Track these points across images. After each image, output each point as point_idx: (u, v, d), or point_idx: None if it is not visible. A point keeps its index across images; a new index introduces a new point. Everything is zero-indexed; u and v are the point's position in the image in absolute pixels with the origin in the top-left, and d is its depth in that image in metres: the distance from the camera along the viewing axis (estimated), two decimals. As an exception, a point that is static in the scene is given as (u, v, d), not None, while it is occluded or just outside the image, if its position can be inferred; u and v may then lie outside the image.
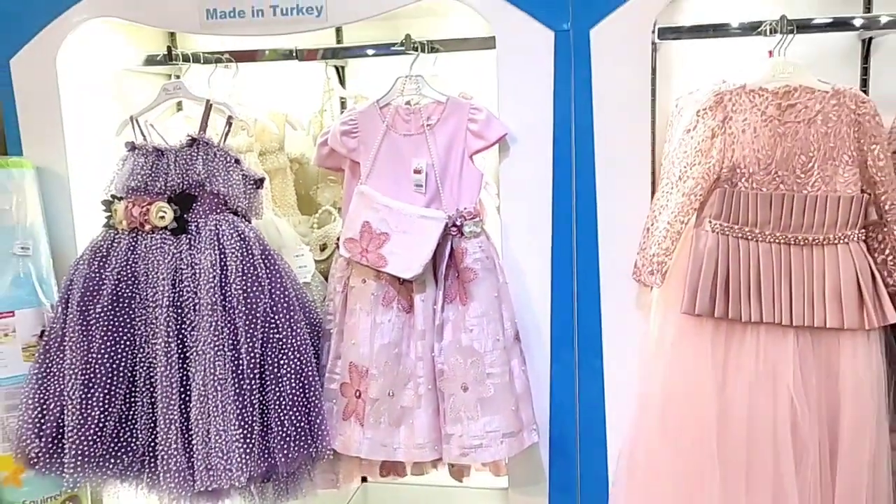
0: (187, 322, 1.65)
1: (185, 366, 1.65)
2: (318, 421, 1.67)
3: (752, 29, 1.66)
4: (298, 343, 1.67)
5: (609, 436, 1.71)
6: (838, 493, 1.53)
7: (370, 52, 1.90)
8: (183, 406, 1.64)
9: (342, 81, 2.25)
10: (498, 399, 1.63)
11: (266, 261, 1.70)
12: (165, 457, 1.62)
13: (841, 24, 1.72)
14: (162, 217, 1.70)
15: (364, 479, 2.58)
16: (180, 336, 1.65)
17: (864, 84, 1.93)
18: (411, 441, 1.65)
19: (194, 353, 1.62)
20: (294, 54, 1.92)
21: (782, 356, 1.54)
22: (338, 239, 1.79)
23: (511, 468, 1.78)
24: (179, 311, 1.66)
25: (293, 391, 1.65)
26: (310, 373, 1.67)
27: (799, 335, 1.55)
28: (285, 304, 1.68)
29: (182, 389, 1.64)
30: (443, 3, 1.68)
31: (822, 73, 1.75)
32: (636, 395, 1.66)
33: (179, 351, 1.65)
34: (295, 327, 1.68)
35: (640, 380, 1.66)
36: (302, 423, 1.65)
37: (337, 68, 2.23)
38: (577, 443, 1.73)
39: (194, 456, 1.61)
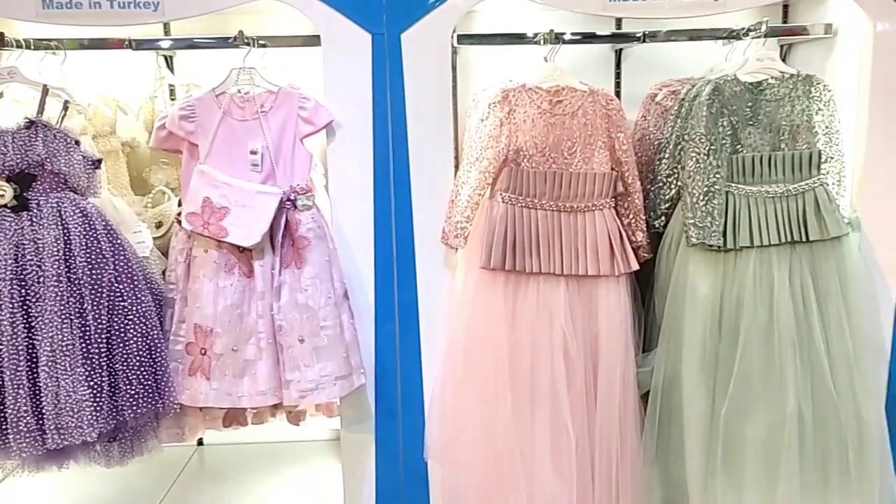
0: (31, 294, 1.75)
1: (31, 335, 1.76)
2: (164, 379, 1.84)
3: (530, 39, 2.06)
4: (143, 310, 1.83)
5: (424, 374, 2.03)
6: (599, 405, 1.96)
7: (200, 43, 2.08)
8: (30, 372, 1.74)
9: (171, 70, 2.40)
10: (331, 348, 1.90)
11: (108, 235, 1.84)
12: (15, 419, 1.72)
13: (595, 37, 2.16)
14: (1, 195, 1.79)
15: (200, 443, 2.75)
16: (25, 307, 1.75)
17: (618, 86, 2.41)
18: (254, 389, 1.88)
19: (40, 323, 1.74)
20: (129, 44, 2.04)
21: (556, 299, 1.94)
22: (178, 215, 1.96)
23: (342, 409, 2.06)
24: (23, 284, 1.76)
25: (140, 353, 1.81)
26: (155, 336, 1.84)
27: (568, 282, 1.96)
28: (129, 275, 1.83)
29: (29, 357, 1.75)
30: (272, 4, 1.91)
31: (586, 77, 2.18)
32: (445, 338, 2.00)
33: (24, 321, 1.75)
34: (139, 295, 1.84)
35: (448, 325, 1.99)
36: (149, 382, 1.82)
37: (166, 57, 2.38)
38: (398, 382, 2.04)
39: (45, 417, 1.73)
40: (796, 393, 1.88)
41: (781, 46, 2.35)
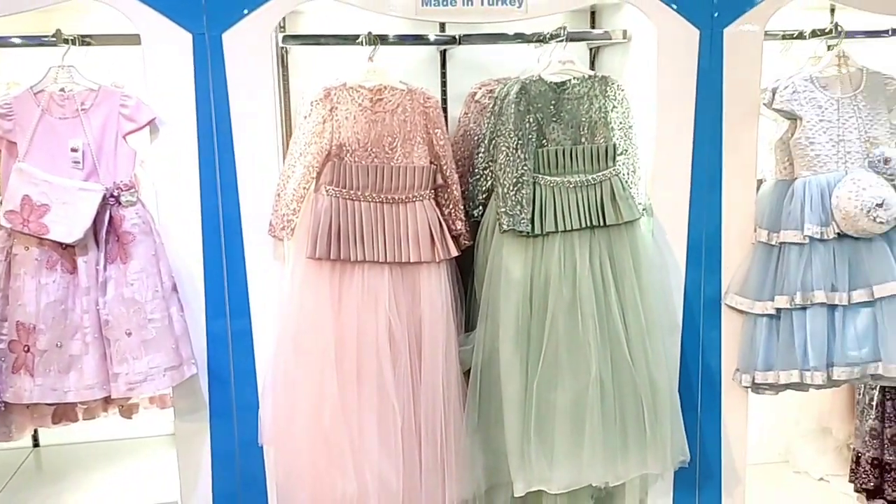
0: None
1: None
2: (-14, 378, 1.84)
3: (353, 40, 2.17)
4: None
5: (257, 362, 2.11)
6: (423, 383, 2.10)
7: (16, 42, 2.06)
8: None
9: (-8, 67, 2.35)
10: (159, 340, 1.94)
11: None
12: None
13: (415, 39, 2.30)
14: None
15: (36, 444, 2.70)
16: None
17: (444, 85, 2.56)
18: (81, 383, 1.90)
19: None
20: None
21: (380, 285, 2.07)
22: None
23: (175, 401, 2.10)
24: None
25: (-42, 355, 1.80)
26: (-27, 337, 1.83)
27: (392, 269, 2.09)
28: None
29: None
30: (89, 3, 1.93)
31: (416, 76, 2.32)
32: (276, 326, 2.08)
33: None
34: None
35: (278, 314, 2.08)
36: (-30, 382, 1.81)
37: (-14, 55, 2.32)
38: (231, 371, 2.11)
39: None
40: (597, 361, 2.09)
41: (590, 49, 2.58)
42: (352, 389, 2.05)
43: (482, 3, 2.08)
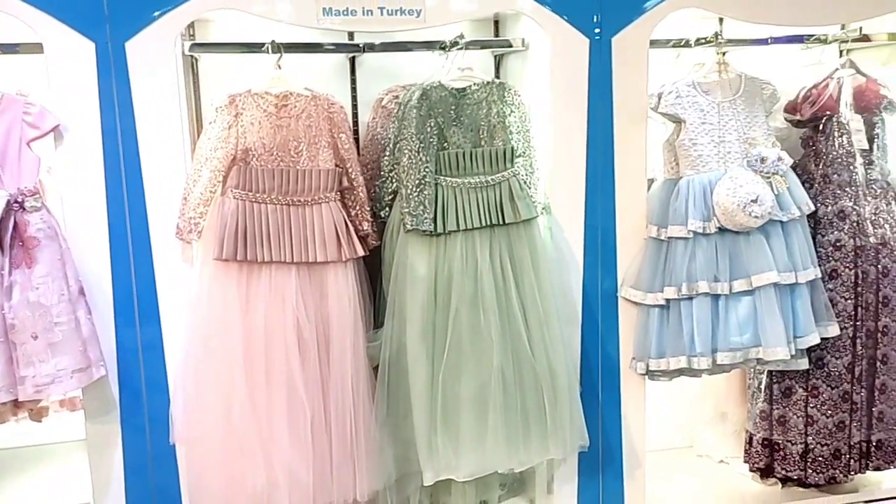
0: None
1: None
2: None
3: (259, 48, 2.23)
4: None
5: (168, 363, 2.15)
6: (332, 377, 2.17)
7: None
8: None
9: None
10: (66, 343, 1.97)
11: None
12: None
13: (319, 46, 2.38)
14: None
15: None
16: None
17: (354, 90, 2.64)
18: (-14, 388, 1.92)
19: None
20: None
21: (288, 285, 2.14)
22: None
23: (85, 403, 2.13)
24: None
25: None
26: None
27: (299, 270, 2.16)
28: None
29: None
30: (-8, 12, 1.96)
31: (326, 82, 2.40)
32: (185, 327, 2.13)
33: None
34: None
35: (187, 315, 2.13)
36: None
37: None
38: (141, 372, 2.14)
39: None
40: (499, 353, 2.20)
41: (495, 56, 2.70)
42: (261, 386, 2.11)
43: (381, 13, 2.18)
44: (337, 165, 2.23)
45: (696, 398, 2.97)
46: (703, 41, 2.49)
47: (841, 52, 2.70)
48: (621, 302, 2.44)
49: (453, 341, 2.20)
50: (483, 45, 2.48)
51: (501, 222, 2.25)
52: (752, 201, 2.24)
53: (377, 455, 2.22)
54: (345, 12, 2.15)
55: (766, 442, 2.63)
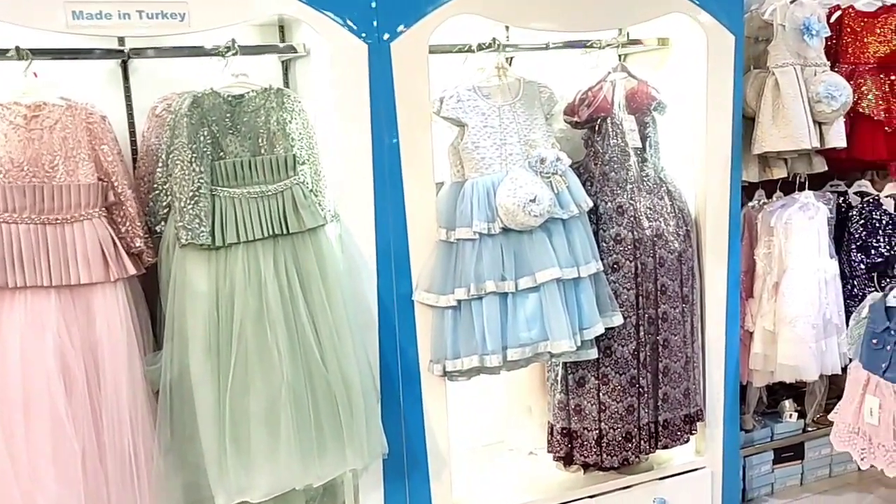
0: None
1: None
2: None
3: (3, 54, 2.04)
4: None
5: None
6: (105, 407, 2.03)
7: None
8: None
9: None
10: None
11: None
12: None
13: (78, 52, 2.22)
14: None
15: None
16: None
17: (129, 98, 2.48)
18: None
19: None
20: None
21: (47, 310, 1.97)
22: None
23: None
24: None
25: None
26: None
27: (60, 293, 2.00)
28: None
29: None
30: None
31: (98, 91, 2.23)
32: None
33: None
34: None
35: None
36: None
37: None
38: None
39: None
40: (288, 367, 2.14)
41: (282, 62, 2.63)
42: (18, 421, 1.93)
43: (140, 17, 2.06)
44: (101, 179, 2.09)
45: (503, 393, 3.04)
46: (485, 47, 2.55)
47: (620, 56, 2.86)
48: (417, 305, 2.45)
49: (239, 358, 2.11)
50: (258, 50, 2.40)
51: (286, 232, 2.19)
52: (530, 201, 2.32)
53: (163, 484, 2.10)
54: (98, 16, 2.01)
55: (565, 431, 2.73)
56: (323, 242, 2.26)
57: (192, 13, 2.11)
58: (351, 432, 2.22)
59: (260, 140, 2.23)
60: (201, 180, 2.11)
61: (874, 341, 2.15)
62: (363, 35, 2.31)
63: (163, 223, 2.18)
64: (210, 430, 2.10)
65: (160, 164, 2.17)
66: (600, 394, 2.66)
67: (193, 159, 2.11)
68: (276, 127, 2.24)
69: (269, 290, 2.14)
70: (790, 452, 3.37)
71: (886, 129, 3.09)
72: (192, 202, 2.10)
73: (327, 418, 2.20)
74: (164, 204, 2.17)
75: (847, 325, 3.05)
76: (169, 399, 2.11)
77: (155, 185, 2.19)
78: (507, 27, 2.80)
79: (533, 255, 2.40)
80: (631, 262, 2.64)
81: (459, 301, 2.39)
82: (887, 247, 3.15)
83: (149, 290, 2.24)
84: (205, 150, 2.13)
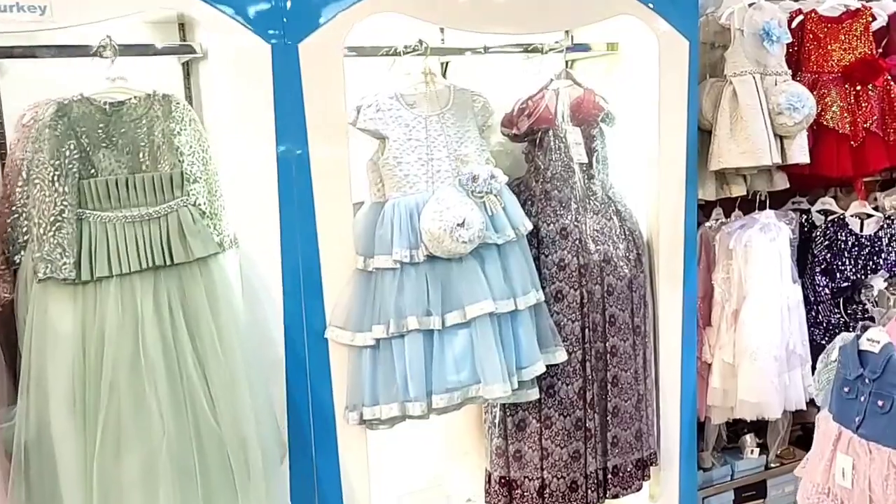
0: None
1: None
2: None
3: None
4: None
5: None
6: None
7: None
8: None
9: None
10: None
11: None
12: None
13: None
14: None
15: None
16: None
17: (-1, 105, 2.15)
18: None
19: None
20: None
21: None
22: None
23: None
24: None
25: None
26: None
27: None
28: None
29: None
30: None
31: None
32: None
33: None
34: None
35: None
36: None
37: None
38: None
39: None
40: (170, 424, 1.82)
41: (183, 64, 2.31)
42: None
43: (-7, 10, 1.73)
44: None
45: (439, 434, 2.74)
46: (411, 49, 2.26)
47: (567, 62, 2.60)
48: (332, 343, 2.15)
49: (110, 414, 1.79)
50: (145, 50, 2.07)
51: (170, 263, 1.87)
52: (458, 225, 2.03)
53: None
54: (-68, 6, 1.67)
55: (503, 480, 2.44)
56: (216, 275, 1.93)
57: (53, 6, 1.79)
58: (247, 497, 1.90)
59: (141, 155, 1.91)
60: (65, 203, 1.78)
61: (846, 389, 1.89)
62: (267, 33, 2.00)
63: (22, 252, 1.85)
64: (75, 501, 1.77)
65: (20, 183, 1.85)
66: (542, 438, 2.38)
67: (56, 177, 1.78)
68: (162, 139, 1.92)
69: (147, 333, 1.82)
70: (752, 491, 3.13)
71: (852, 143, 2.87)
72: (54, 228, 1.77)
73: (219, 483, 1.88)
74: (24, 230, 1.84)
75: (811, 355, 2.83)
76: (25, 462, 1.77)
77: (14, 208, 1.86)
78: (441, 29, 2.52)
79: (462, 286, 2.10)
80: (576, 290, 2.36)
81: (378, 340, 2.09)
82: (853, 270, 2.92)
83: (10, 331, 1.89)
84: (70, 166, 1.80)
